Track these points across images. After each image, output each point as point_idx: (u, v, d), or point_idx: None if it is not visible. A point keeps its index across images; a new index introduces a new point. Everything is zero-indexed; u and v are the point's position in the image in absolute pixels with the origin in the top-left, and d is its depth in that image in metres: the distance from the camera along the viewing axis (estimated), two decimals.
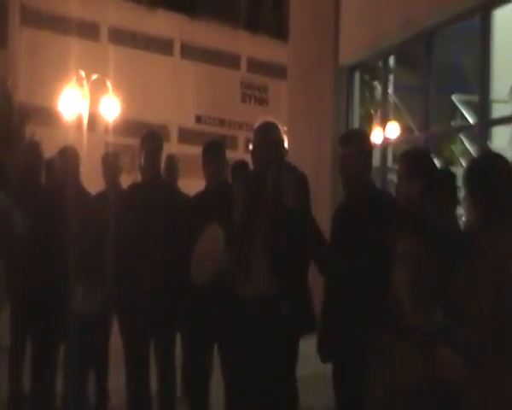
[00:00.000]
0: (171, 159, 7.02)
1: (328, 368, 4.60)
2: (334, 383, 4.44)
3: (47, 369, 5.22)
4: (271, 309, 4.45)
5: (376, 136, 10.98)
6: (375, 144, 9.99)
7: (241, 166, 5.99)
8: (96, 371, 6.18)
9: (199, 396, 5.27)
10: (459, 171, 11.46)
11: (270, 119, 4.85)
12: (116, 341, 5.47)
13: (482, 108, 8.54)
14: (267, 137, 4.69)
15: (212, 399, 5.29)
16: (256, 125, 4.81)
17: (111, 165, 6.76)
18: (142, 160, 5.22)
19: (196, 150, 5.90)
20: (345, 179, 4.55)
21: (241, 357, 4.67)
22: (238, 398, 4.82)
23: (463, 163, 13.05)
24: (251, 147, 4.81)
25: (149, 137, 5.34)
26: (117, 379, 6.10)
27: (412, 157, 3.96)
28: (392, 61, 11.61)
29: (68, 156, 5.39)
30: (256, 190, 4.70)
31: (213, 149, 5.44)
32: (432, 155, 4.18)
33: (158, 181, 5.31)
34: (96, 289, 5.11)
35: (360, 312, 4.11)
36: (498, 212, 3.06)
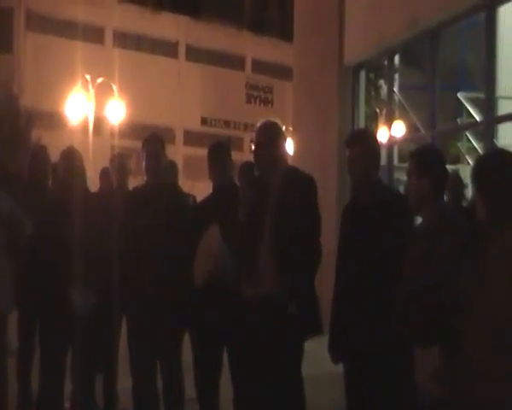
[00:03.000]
0: (173, 164, 6.98)
1: (335, 368, 4.60)
2: (346, 384, 4.44)
3: (55, 370, 5.22)
4: (278, 309, 4.45)
5: (382, 135, 10.97)
6: (381, 143, 9.97)
7: (248, 166, 5.99)
8: (105, 373, 6.19)
9: (208, 396, 5.27)
10: (466, 169, 11.48)
11: (272, 118, 4.86)
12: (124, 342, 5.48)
13: (488, 105, 8.51)
14: (267, 136, 4.70)
15: (222, 399, 5.29)
16: (257, 125, 4.82)
17: (118, 168, 6.79)
18: (144, 162, 5.24)
19: (202, 152, 5.91)
20: (354, 179, 4.57)
21: (249, 357, 4.67)
22: (247, 398, 4.82)
23: (470, 161, 13.03)
24: (253, 147, 4.82)
25: (150, 140, 5.36)
26: (125, 380, 6.12)
27: (422, 155, 3.96)
28: (397, 59, 11.60)
29: (72, 158, 5.39)
30: (261, 191, 4.71)
31: (219, 150, 5.44)
32: (441, 153, 4.15)
33: (160, 183, 5.31)
34: (90, 291, 5.11)
35: (373, 311, 4.12)
36: (509, 209, 3.06)
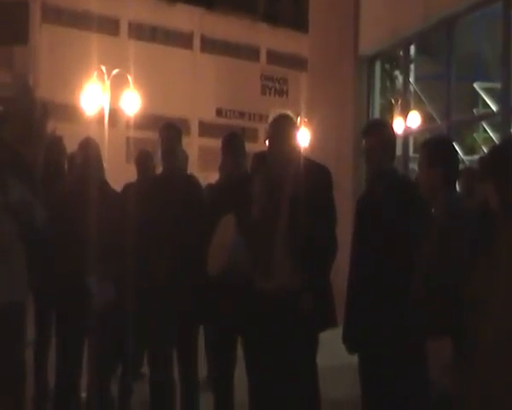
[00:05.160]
0: (183, 152, 6.98)
1: (350, 358, 4.60)
2: (361, 374, 4.44)
3: (71, 362, 5.24)
4: (293, 303, 4.45)
5: (398, 125, 10.93)
6: (397, 134, 9.94)
7: (263, 156, 5.98)
8: (123, 365, 6.21)
9: (223, 387, 5.28)
10: None
11: (285, 111, 4.84)
12: None
13: (504, 95, 8.46)
14: (280, 131, 4.68)
15: (237, 391, 5.30)
16: (270, 118, 4.80)
17: (144, 164, 6.81)
18: (159, 151, 5.26)
19: (217, 143, 5.90)
20: (370, 169, 4.57)
21: (264, 350, 4.67)
22: (262, 391, 4.83)
23: (486, 151, 12.95)
24: (267, 142, 4.81)
25: (165, 129, 5.38)
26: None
27: (433, 145, 3.93)
28: (412, 50, 11.55)
29: (90, 148, 5.40)
30: (275, 186, 4.70)
31: (232, 141, 5.44)
32: (454, 143, 4.13)
33: (175, 172, 5.32)
34: (108, 282, 5.12)
35: (388, 301, 4.11)
36: None
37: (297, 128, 4.86)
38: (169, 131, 5.39)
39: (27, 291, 5.15)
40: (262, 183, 4.79)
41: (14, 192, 4.86)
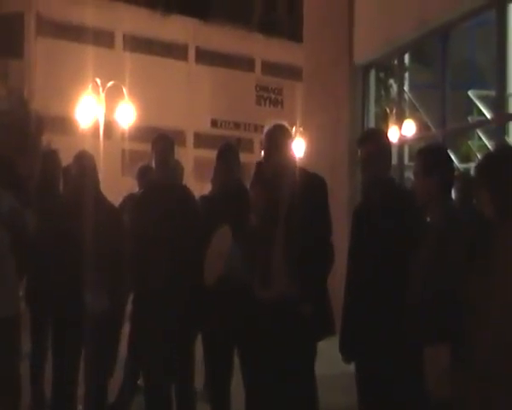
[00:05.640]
0: (178, 163, 6.96)
1: (347, 368, 4.59)
2: (358, 382, 4.43)
3: (68, 373, 5.23)
4: (291, 310, 4.45)
5: (392, 134, 10.94)
6: (392, 143, 9.95)
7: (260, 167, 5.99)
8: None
9: (220, 397, 5.27)
10: None
11: (280, 121, 4.86)
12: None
13: (499, 102, 8.47)
14: (275, 142, 4.70)
15: (233, 400, 5.29)
16: (265, 128, 4.82)
17: (144, 178, 6.79)
18: (153, 163, 5.28)
19: (212, 154, 5.90)
20: (366, 178, 4.58)
21: (261, 358, 4.67)
22: (258, 399, 4.82)
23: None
24: (262, 152, 4.83)
25: (158, 140, 5.40)
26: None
27: (428, 153, 3.94)
28: (407, 58, 11.56)
29: (85, 160, 5.41)
30: (272, 196, 4.70)
31: (226, 152, 5.45)
32: (448, 151, 4.14)
33: (170, 184, 5.33)
34: (103, 292, 5.11)
35: (384, 309, 4.10)
36: None
37: (291, 138, 4.88)
38: (161, 142, 5.41)
39: (20, 302, 5.13)
40: (259, 192, 4.81)
41: (3, 202, 4.84)
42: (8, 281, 4.88)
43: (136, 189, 7.05)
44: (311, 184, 4.69)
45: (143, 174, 7.07)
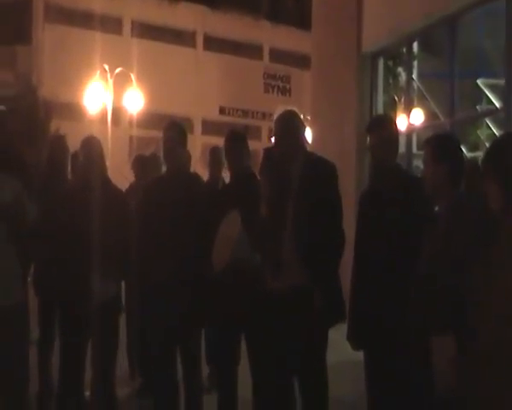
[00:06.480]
0: (216, 151, 6.97)
1: (356, 355, 4.59)
2: (366, 371, 4.44)
3: (75, 360, 5.24)
4: (303, 300, 4.45)
5: (401, 123, 10.90)
6: (400, 131, 9.93)
7: (271, 151, 5.98)
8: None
9: (226, 386, 5.27)
10: None
11: (290, 107, 4.85)
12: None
13: (508, 91, 8.43)
14: (287, 126, 4.69)
15: (240, 388, 5.30)
16: (276, 114, 4.80)
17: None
18: (162, 150, 5.27)
19: (220, 141, 5.90)
20: (375, 164, 4.59)
21: (270, 347, 4.67)
22: (266, 388, 4.82)
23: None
24: (273, 138, 4.82)
25: (167, 128, 5.37)
26: None
27: (437, 141, 3.92)
28: (415, 46, 11.51)
29: (93, 146, 5.40)
30: (282, 183, 4.69)
31: (234, 140, 5.43)
32: (457, 140, 4.12)
33: (178, 171, 5.31)
34: (109, 279, 5.12)
35: (392, 297, 4.10)
36: None
37: (303, 124, 4.86)
38: (170, 130, 5.37)
39: (22, 290, 5.07)
40: (269, 179, 4.79)
41: (6, 192, 4.77)
42: (7, 269, 4.81)
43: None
44: (322, 170, 4.68)
45: (141, 164, 7.07)
